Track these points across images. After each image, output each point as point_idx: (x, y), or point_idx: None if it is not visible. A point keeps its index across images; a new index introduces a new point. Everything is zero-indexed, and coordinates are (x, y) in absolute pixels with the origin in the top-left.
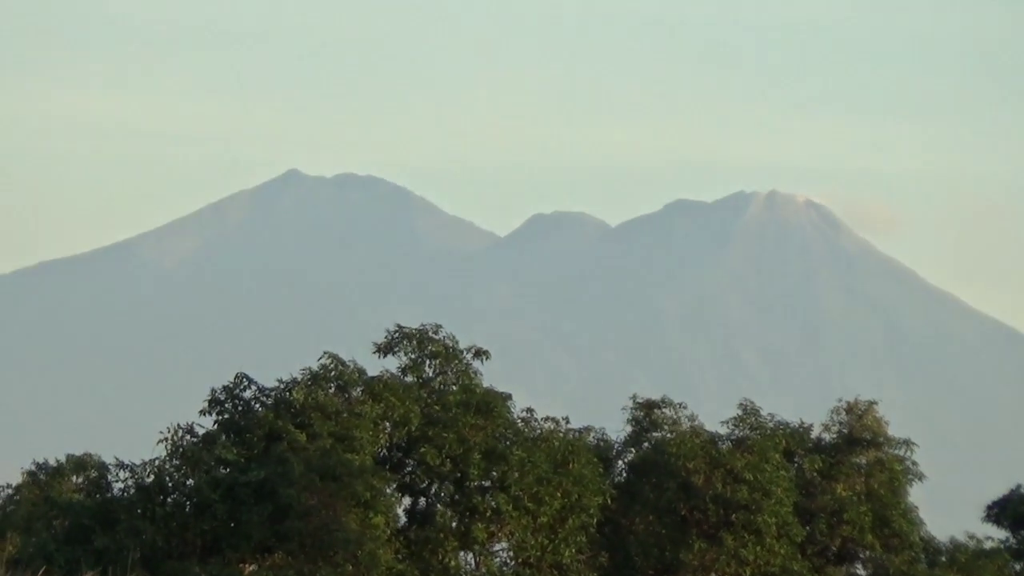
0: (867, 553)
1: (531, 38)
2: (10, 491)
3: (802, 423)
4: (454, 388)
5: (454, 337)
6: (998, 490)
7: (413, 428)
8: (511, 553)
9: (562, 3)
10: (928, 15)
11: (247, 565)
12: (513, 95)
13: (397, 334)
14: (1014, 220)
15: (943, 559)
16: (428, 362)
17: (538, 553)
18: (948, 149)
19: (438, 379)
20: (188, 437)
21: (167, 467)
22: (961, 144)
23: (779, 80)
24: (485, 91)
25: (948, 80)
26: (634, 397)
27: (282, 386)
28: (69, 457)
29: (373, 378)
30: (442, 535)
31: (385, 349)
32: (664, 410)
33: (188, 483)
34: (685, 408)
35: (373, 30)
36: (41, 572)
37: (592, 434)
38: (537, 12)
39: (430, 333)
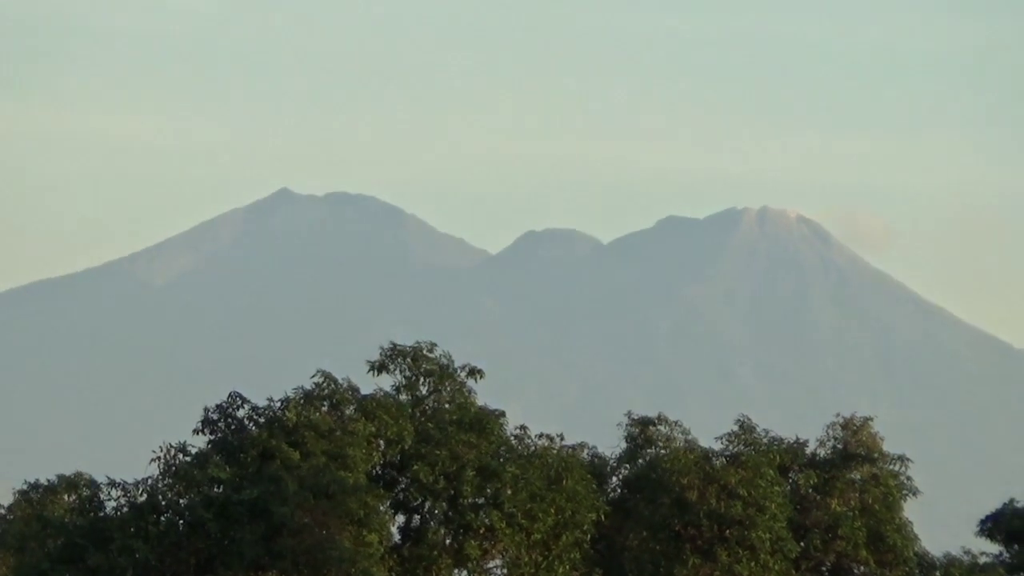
0: (862, 569)
1: (521, 56)
2: (3, 511)
3: (797, 439)
4: (448, 406)
5: (449, 355)
6: (991, 504)
7: (406, 446)
8: (505, 570)
9: (552, 21)
10: (919, 30)
11: None
12: (504, 113)
13: (391, 352)
14: (1005, 233)
15: (937, 574)
16: (422, 380)
17: (532, 570)
18: (937, 164)
19: (432, 397)
20: (181, 456)
21: (160, 486)
22: (951, 159)
23: (769, 96)
24: (475, 109)
25: (937, 95)
26: (629, 414)
27: (275, 404)
28: (61, 477)
29: (366, 396)
30: (436, 552)
31: (379, 367)
32: (659, 427)
33: (181, 502)
34: (680, 425)
35: (363, 49)
36: None
37: (586, 450)
38: (527, 30)
39: (424, 351)
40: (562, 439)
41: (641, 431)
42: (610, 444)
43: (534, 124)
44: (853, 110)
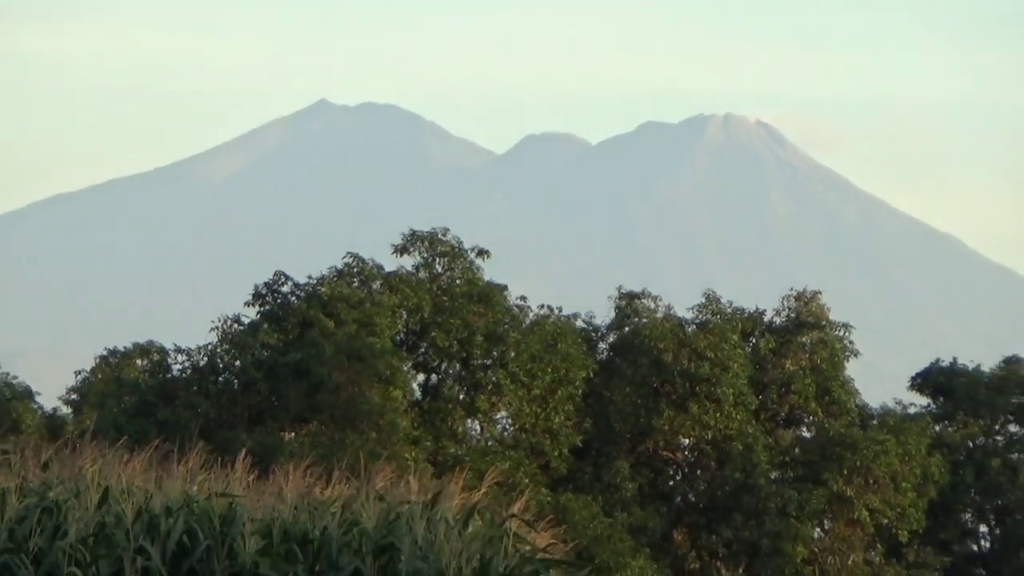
0: (811, 418)
1: None
2: (87, 374)
3: (757, 309)
4: (459, 282)
5: (459, 239)
6: (920, 363)
7: (425, 315)
8: (510, 420)
9: None
10: None
11: (286, 433)
12: (511, 31)
13: (412, 237)
14: (933, 137)
15: (875, 423)
16: (438, 260)
17: (532, 420)
18: (882, 76)
19: (446, 274)
20: (235, 325)
21: (218, 351)
22: (892, 72)
23: (735, 13)
24: (485, 30)
25: (885, 15)
26: (619, 288)
27: (313, 281)
28: (135, 344)
29: (390, 273)
30: (451, 406)
31: (401, 250)
32: (643, 300)
33: (236, 364)
34: (661, 300)
35: None
36: (119, 443)
37: (579, 319)
38: None
39: (439, 236)
40: (560, 310)
41: (628, 303)
42: (601, 315)
43: (537, 41)
44: (810, 27)
